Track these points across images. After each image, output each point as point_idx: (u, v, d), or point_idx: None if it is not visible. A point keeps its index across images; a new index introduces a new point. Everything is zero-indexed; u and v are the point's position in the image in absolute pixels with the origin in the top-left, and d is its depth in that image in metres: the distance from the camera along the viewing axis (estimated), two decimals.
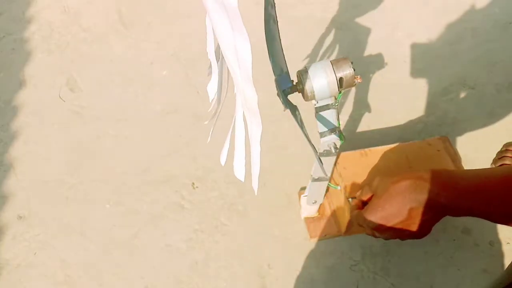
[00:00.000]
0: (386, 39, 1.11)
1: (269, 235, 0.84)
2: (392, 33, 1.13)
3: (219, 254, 0.82)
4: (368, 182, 0.68)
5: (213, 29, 0.54)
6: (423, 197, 0.58)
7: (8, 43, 1.15)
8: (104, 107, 1.03)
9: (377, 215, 0.62)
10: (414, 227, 0.60)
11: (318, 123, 0.63)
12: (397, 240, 0.65)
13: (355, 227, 0.77)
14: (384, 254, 0.81)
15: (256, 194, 0.58)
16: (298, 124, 0.57)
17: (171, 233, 0.85)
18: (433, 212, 0.59)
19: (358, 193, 0.70)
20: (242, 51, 0.46)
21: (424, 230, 0.61)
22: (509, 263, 0.78)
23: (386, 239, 0.65)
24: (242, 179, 0.63)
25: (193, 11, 1.20)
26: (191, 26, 1.17)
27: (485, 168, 0.71)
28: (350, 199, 0.73)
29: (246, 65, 0.47)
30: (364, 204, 0.68)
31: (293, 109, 0.59)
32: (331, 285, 0.78)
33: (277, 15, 0.56)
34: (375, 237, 0.66)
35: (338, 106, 0.62)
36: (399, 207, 0.59)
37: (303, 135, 0.57)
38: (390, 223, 0.61)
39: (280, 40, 0.58)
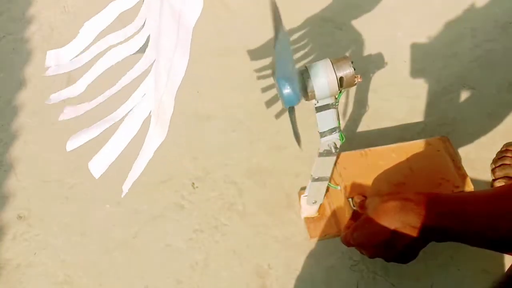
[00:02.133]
0: (386, 39, 1.11)
1: (269, 235, 0.84)
2: (392, 33, 1.13)
3: (219, 254, 0.82)
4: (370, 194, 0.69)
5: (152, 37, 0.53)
6: (408, 218, 0.58)
7: (8, 43, 1.15)
8: (104, 107, 1.03)
9: (362, 232, 0.63)
10: (397, 249, 0.60)
11: (318, 122, 0.63)
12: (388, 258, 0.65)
13: None
14: None
15: (122, 196, 0.58)
16: (292, 122, 0.57)
17: (171, 233, 0.85)
18: (417, 235, 0.58)
19: (355, 198, 0.71)
20: (178, 67, 0.46)
21: (408, 253, 0.61)
22: (509, 263, 0.78)
23: (370, 257, 0.65)
24: (98, 175, 0.62)
25: None
26: None
27: (476, 191, 0.71)
28: (350, 199, 0.73)
29: (176, 79, 0.47)
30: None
31: (291, 109, 0.59)
32: (331, 285, 0.78)
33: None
34: (362, 253, 0.67)
35: (338, 106, 0.62)
36: (384, 226, 0.60)
37: (292, 131, 0.57)
38: (374, 241, 0.62)
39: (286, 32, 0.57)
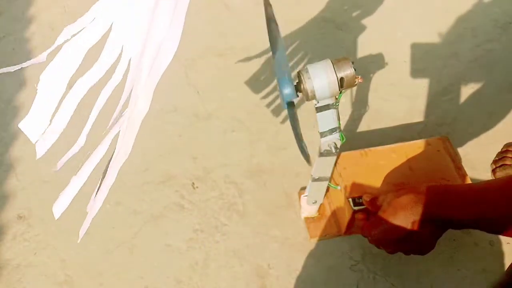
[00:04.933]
0: (386, 39, 1.11)
1: (269, 235, 0.84)
2: (392, 33, 1.13)
3: (219, 254, 0.82)
4: (379, 194, 0.69)
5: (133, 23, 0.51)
6: (424, 211, 0.60)
7: (8, 43, 1.15)
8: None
9: (381, 229, 0.64)
10: (416, 241, 0.62)
11: (319, 123, 0.63)
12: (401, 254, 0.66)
13: (355, 228, 0.77)
14: (384, 254, 0.80)
15: (79, 241, 0.55)
16: (291, 123, 0.57)
17: (171, 233, 0.85)
18: (434, 226, 0.60)
19: (364, 196, 0.71)
20: (167, 51, 0.44)
21: (427, 244, 0.63)
22: (509, 263, 0.78)
23: (390, 253, 0.66)
24: (58, 216, 0.58)
25: (192, 12, 1.20)
26: (190, 26, 1.17)
27: (482, 181, 0.72)
28: (350, 199, 0.73)
29: (161, 68, 0.44)
30: (368, 214, 0.69)
31: (292, 109, 0.59)
32: (331, 285, 0.78)
33: (275, 16, 0.56)
34: (379, 248, 0.67)
35: (338, 106, 0.62)
36: (402, 221, 0.61)
37: (295, 134, 0.57)
38: (393, 236, 0.63)
39: (282, 39, 0.58)
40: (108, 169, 0.51)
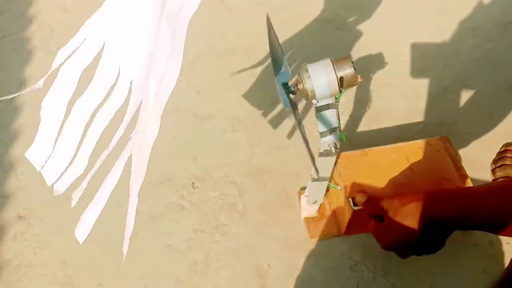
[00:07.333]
0: (386, 39, 1.11)
1: (269, 235, 0.84)
2: (392, 33, 1.13)
3: (219, 254, 0.82)
4: (376, 196, 0.70)
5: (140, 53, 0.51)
6: (431, 215, 0.61)
7: (8, 43, 1.15)
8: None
9: (392, 237, 0.66)
10: (428, 244, 0.64)
11: (319, 122, 0.63)
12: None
13: (355, 228, 0.77)
14: (384, 254, 0.80)
15: (123, 260, 0.55)
16: (296, 123, 0.57)
17: (171, 233, 0.85)
18: (442, 228, 0.62)
19: (358, 197, 0.71)
20: (171, 74, 0.45)
21: (437, 245, 0.66)
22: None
23: (403, 257, 0.67)
24: (82, 240, 0.59)
25: None
26: (190, 26, 1.17)
27: (483, 184, 0.74)
28: (350, 199, 0.73)
29: (167, 92, 0.45)
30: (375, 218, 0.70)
31: (293, 108, 0.59)
32: (331, 285, 0.78)
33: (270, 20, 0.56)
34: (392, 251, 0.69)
35: (338, 106, 0.62)
36: (411, 227, 0.62)
37: (300, 134, 0.57)
38: (406, 242, 0.65)
39: (278, 40, 0.58)
40: (130, 191, 0.52)
